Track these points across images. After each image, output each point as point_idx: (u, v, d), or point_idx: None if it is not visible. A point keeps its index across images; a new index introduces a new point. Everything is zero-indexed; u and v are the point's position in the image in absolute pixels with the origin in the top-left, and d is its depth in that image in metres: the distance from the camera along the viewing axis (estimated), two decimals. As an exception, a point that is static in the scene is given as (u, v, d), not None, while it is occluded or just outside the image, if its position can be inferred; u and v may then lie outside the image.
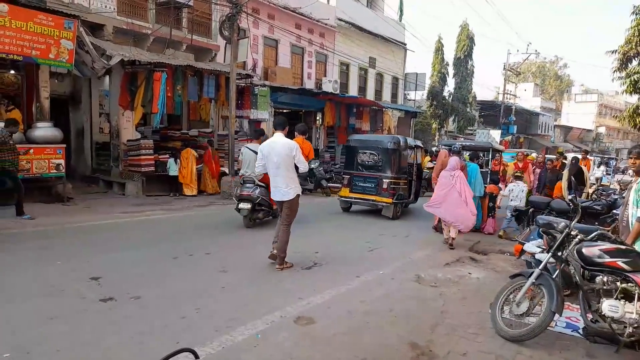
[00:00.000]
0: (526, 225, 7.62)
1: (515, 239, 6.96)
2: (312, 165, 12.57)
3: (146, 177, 11.71)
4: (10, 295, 4.31)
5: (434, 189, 8.10)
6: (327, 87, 19.71)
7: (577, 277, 3.78)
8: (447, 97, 31.27)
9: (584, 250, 3.75)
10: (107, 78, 12.81)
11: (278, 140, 5.60)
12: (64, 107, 13.38)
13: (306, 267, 5.82)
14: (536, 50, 37.23)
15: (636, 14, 15.54)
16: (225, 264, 5.69)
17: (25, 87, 10.87)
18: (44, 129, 9.63)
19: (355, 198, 10.46)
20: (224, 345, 3.50)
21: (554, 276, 3.87)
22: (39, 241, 6.44)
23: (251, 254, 6.36)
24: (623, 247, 3.73)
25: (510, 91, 37.56)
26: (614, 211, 6.79)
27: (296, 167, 5.68)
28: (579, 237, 3.86)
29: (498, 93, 37.63)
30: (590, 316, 3.67)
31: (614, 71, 17.01)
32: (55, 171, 9.66)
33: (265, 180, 7.32)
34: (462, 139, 28.18)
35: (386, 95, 26.23)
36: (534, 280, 3.87)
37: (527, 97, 49.76)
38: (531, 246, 5.10)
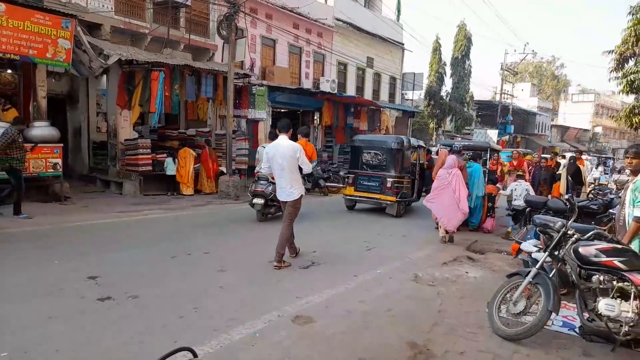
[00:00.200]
0: (523, 224, 7.66)
1: (512, 238, 7.00)
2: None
3: (144, 176, 11.70)
4: (8, 295, 4.31)
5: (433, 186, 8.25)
6: (325, 86, 19.72)
7: (573, 276, 3.81)
8: (444, 97, 31.34)
9: (580, 249, 3.77)
10: (104, 77, 12.80)
11: (282, 143, 5.77)
12: (61, 106, 13.36)
13: (304, 266, 5.83)
14: (533, 50, 37.38)
15: (633, 15, 15.59)
16: (223, 264, 5.70)
17: (22, 86, 10.84)
18: (41, 129, 9.60)
19: (359, 196, 10.73)
20: (222, 344, 3.51)
21: (550, 275, 3.90)
22: (37, 241, 6.43)
23: (249, 253, 6.37)
24: (619, 246, 3.75)
25: (508, 91, 37.68)
26: (611, 210, 6.83)
27: (300, 169, 5.85)
28: (575, 236, 3.88)
29: (495, 93, 37.74)
30: (586, 315, 3.70)
31: (611, 71, 17.07)
32: (52, 170, 9.65)
33: None
34: (459, 138, 28.23)
35: (384, 95, 26.26)
36: (530, 280, 3.90)
37: (524, 97, 49.91)
38: (528, 245, 5.13)
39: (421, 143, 12.40)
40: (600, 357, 3.64)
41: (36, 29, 9.13)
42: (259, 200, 8.44)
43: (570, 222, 4.07)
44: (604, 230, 4.95)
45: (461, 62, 32.11)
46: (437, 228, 8.14)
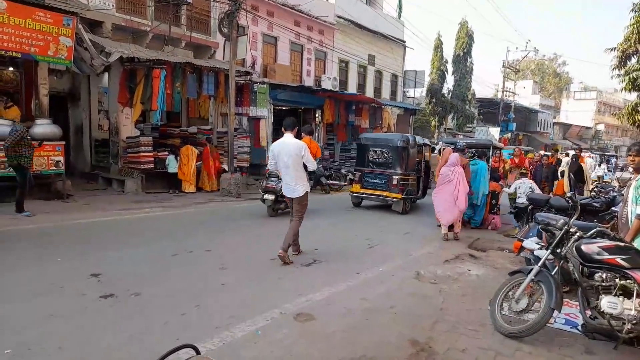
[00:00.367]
0: (525, 222, 7.65)
1: (515, 235, 6.99)
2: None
3: (145, 174, 11.70)
4: (10, 292, 4.32)
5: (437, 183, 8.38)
6: (327, 84, 19.69)
7: (576, 274, 3.80)
8: (446, 95, 31.25)
9: (583, 247, 3.76)
10: (106, 75, 12.79)
11: (288, 141, 5.90)
12: (63, 104, 13.36)
13: (306, 264, 5.83)
14: (535, 48, 37.42)
15: (635, 12, 15.51)
16: (225, 261, 5.70)
17: (24, 84, 10.85)
18: (43, 126, 9.60)
19: (366, 194, 10.93)
20: (224, 341, 3.51)
21: (553, 273, 3.89)
22: (39, 239, 6.45)
23: (251, 251, 6.38)
24: (622, 244, 3.74)
25: (510, 88, 37.55)
26: (613, 208, 6.82)
27: (305, 166, 5.97)
28: (578, 234, 3.88)
29: (497, 90, 37.65)
30: (589, 313, 3.69)
31: (613, 69, 16.99)
32: (54, 168, 9.67)
33: None
34: (461, 136, 28.20)
35: (385, 93, 26.22)
36: (533, 277, 3.89)
37: (526, 95, 49.75)
38: (530, 243, 5.13)
39: (426, 141, 12.59)
40: (602, 354, 3.63)
41: (38, 27, 9.12)
42: (269, 196, 8.81)
43: (572, 219, 4.06)
44: (607, 228, 4.94)
45: (463, 60, 31.98)
46: (440, 226, 8.17)
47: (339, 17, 21.26)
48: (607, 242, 3.73)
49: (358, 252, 6.70)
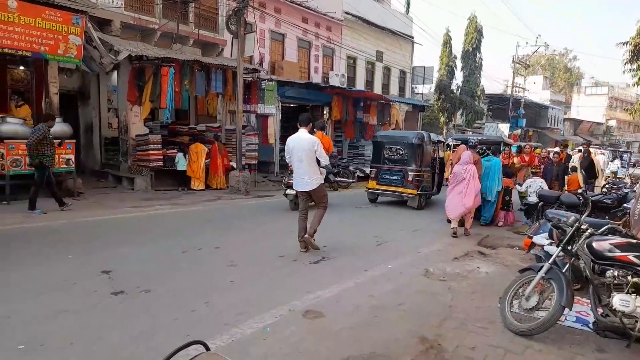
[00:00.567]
0: (535, 219, 7.58)
1: (525, 232, 6.94)
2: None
3: (155, 171, 11.77)
4: (23, 289, 4.38)
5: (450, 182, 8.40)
6: (334, 81, 19.64)
7: (587, 271, 3.76)
8: (455, 91, 31.04)
9: (594, 244, 3.72)
10: (115, 73, 12.87)
11: (302, 136, 6.13)
12: (73, 102, 13.48)
13: (314, 261, 5.84)
14: (545, 43, 36.97)
15: (648, 5, 15.26)
16: (234, 258, 5.73)
17: (34, 82, 10.95)
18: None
19: (382, 190, 11.20)
20: (233, 338, 3.53)
21: (563, 270, 3.85)
22: (51, 235, 6.53)
23: (260, 248, 6.40)
24: (634, 241, 3.70)
25: (519, 84, 37.19)
26: (625, 205, 6.73)
27: (318, 161, 6.15)
28: (589, 231, 3.83)
29: (507, 86, 37.24)
30: (600, 310, 3.65)
31: (625, 63, 16.78)
32: (65, 166, 9.76)
33: None
34: (470, 132, 27.99)
35: (394, 89, 26.10)
36: (543, 275, 3.85)
37: (536, 90, 49.19)
38: (540, 238, 5.08)
39: (441, 138, 12.80)
40: (614, 353, 3.60)
41: (47, 26, 9.20)
42: (291, 191, 9.02)
43: (583, 216, 4.02)
44: (618, 224, 4.88)
45: (472, 55, 31.74)
46: (449, 221, 8.16)
47: (347, 13, 21.18)
48: (618, 239, 3.69)
49: (366, 249, 6.69)
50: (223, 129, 14.08)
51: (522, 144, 14.98)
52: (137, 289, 4.47)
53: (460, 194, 7.70)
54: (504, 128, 30.77)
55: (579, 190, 5.73)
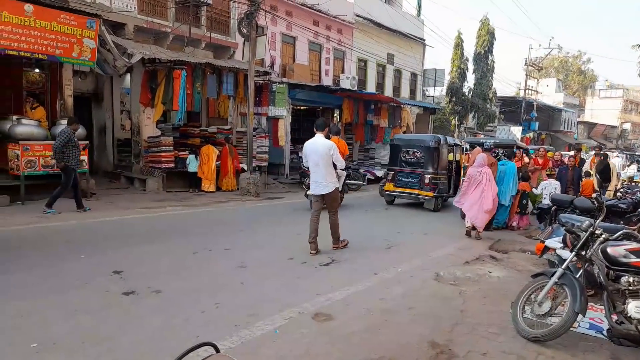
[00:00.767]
0: (548, 223, 7.49)
1: (537, 237, 6.85)
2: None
3: (166, 173, 11.88)
4: (36, 288, 4.43)
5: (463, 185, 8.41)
6: (345, 83, 19.64)
7: (601, 277, 3.69)
8: (466, 93, 30.84)
9: (608, 249, 3.65)
10: (128, 76, 13.04)
11: (319, 141, 6.22)
12: (86, 104, 13.67)
13: (324, 263, 5.83)
14: (559, 45, 36.58)
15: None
16: (244, 260, 5.74)
17: (49, 85, 11.12)
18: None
19: (399, 192, 11.39)
20: (243, 339, 3.53)
21: (577, 276, 3.79)
22: (64, 236, 6.61)
23: (270, 250, 6.41)
24: (650, 246, 3.62)
25: (532, 87, 36.81)
26: (640, 210, 6.62)
27: (334, 165, 6.28)
28: (603, 236, 3.76)
29: (519, 89, 36.80)
30: (615, 317, 3.58)
31: (641, 66, 16.51)
32: (79, 167, 9.86)
33: None
34: (482, 135, 27.78)
35: (405, 92, 26.00)
36: (556, 280, 3.79)
37: (549, 93, 48.68)
38: (553, 242, 5.01)
39: (457, 141, 12.89)
40: (629, 360, 3.53)
41: (62, 29, 9.35)
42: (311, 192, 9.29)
43: (598, 221, 3.95)
44: (634, 230, 4.79)
45: (484, 58, 31.51)
46: (463, 217, 8.13)
47: (358, 16, 21.18)
48: (634, 245, 3.63)
49: (377, 252, 6.66)
50: (234, 131, 14.16)
51: (537, 147, 14.82)
52: (148, 289, 4.50)
53: (479, 199, 7.65)
54: (517, 131, 30.49)
55: (593, 195, 5.65)
